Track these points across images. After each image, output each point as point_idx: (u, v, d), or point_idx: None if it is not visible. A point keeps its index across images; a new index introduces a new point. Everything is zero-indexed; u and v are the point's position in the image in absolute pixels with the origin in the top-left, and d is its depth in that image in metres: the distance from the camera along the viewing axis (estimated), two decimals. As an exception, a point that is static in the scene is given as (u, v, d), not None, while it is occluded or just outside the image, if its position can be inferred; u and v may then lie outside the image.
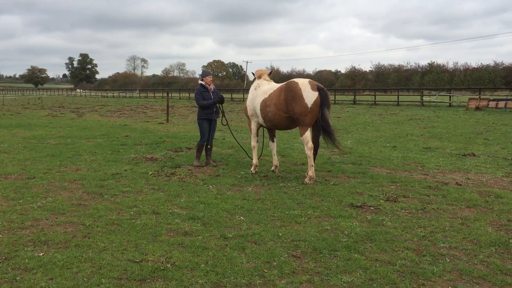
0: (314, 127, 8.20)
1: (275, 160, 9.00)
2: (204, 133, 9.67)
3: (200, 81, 9.84)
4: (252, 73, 9.63)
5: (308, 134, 7.98)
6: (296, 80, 8.16)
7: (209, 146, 9.84)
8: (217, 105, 9.74)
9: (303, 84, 7.94)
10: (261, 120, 8.72)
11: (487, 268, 4.35)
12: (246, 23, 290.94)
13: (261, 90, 8.74)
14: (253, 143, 9.08)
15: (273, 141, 9.13)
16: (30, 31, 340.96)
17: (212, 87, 9.74)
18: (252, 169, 8.93)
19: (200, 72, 10.54)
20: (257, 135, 9.14)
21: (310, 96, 7.80)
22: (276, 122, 8.38)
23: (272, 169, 8.99)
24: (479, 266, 4.40)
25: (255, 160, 9.00)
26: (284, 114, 8.12)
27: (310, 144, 7.95)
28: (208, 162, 9.74)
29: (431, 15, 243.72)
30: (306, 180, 7.94)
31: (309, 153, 7.95)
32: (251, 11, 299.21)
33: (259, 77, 9.18)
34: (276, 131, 9.37)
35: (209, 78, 9.71)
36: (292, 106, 7.89)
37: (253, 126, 9.02)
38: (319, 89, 7.87)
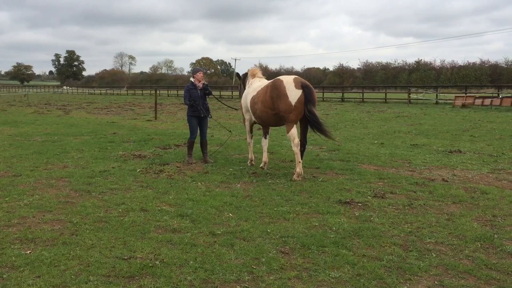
0: (302, 124, 8.26)
1: (265, 157, 9.04)
2: (193, 129, 9.67)
3: (191, 78, 9.90)
4: (237, 74, 9.78)
5: (294, 131, 8.03)
6: (281, 77, 8.25)
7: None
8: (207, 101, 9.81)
9: (288, 82, 8.01)
10: (252, 117, 8.86)
11: (473, 263, 4.41)
12: (237, 20, 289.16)
13: (252, 88, 8.95)
14: (248, 139, 9.48)
15: (265, 138, 9.25)
16: (18, 27, 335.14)
17: (201, 83, 9.73)
18: (248, 162, 9.39)
19: (190, 69, 10.56)
20: (251, 132, 9.47)
21: (293, 94, 7.87)
22: (265, 119, 8.47)
23: (261, 166, 9.03)
24: (465, 261, 4.46)
25: (251, 155, 9.39)
26: (270, 111, 8.20)
27: (297, 140, 8.00)
28: (206, 160, 9.71)
29: (422, 13, 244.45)
30: (295, 177, 7.98)
31: (296, 149, 8.00)
32: (242, 8, 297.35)
33: (253, 75, 9.35)
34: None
35: (199, 75, 9.77)
36: (277, 103, 7.98)
37: (247, 123, 9.33)
38: (303, 87, 7.92)
